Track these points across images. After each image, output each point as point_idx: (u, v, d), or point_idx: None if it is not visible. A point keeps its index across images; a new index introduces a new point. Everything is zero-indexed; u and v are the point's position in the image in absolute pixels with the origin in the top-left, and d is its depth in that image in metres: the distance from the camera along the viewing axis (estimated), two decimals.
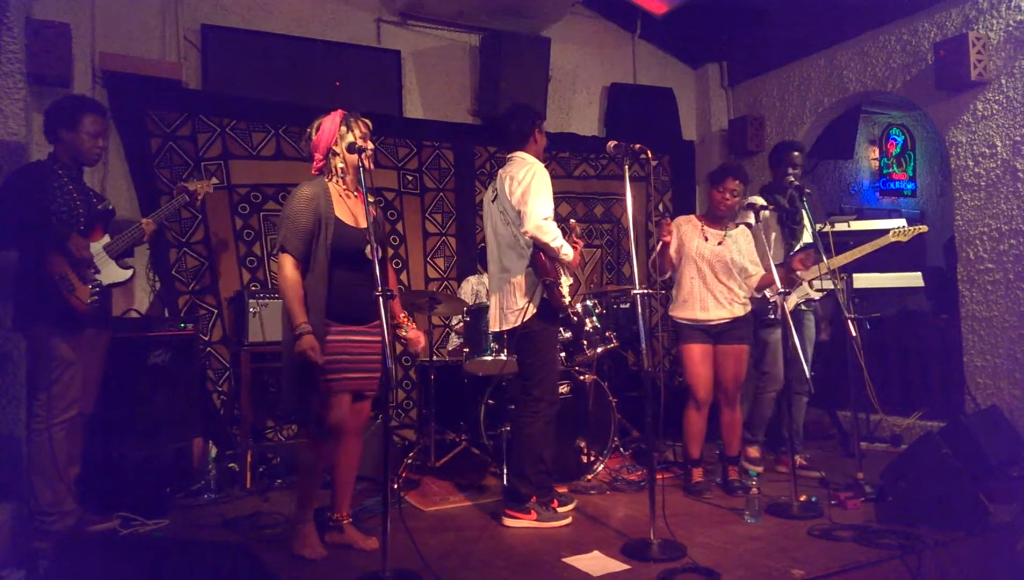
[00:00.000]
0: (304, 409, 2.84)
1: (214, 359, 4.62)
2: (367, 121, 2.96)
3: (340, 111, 2.93)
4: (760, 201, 3.96)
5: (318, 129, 2.91)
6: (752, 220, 3.87)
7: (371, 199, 3.02)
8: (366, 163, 2.81)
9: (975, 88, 4.58)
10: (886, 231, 4.47)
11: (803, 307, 4.23)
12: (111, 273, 3.28)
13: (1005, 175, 4.47)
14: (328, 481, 3.11)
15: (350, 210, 2.91)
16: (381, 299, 2.61)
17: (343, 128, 2.88)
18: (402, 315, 3.11)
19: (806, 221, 4.36)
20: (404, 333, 3.09)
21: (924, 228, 4.19)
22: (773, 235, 4.22)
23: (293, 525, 2.95)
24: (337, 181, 2.92)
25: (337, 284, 2.82)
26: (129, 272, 3.35)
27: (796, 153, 4.29)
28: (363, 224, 2.89)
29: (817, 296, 4.20)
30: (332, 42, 5.18)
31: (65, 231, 3.12)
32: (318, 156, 2.93)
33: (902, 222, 4.89)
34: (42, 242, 3.07)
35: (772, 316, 4.16)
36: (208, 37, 4.80)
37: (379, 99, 5.28)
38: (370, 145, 2.91)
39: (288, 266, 2.78)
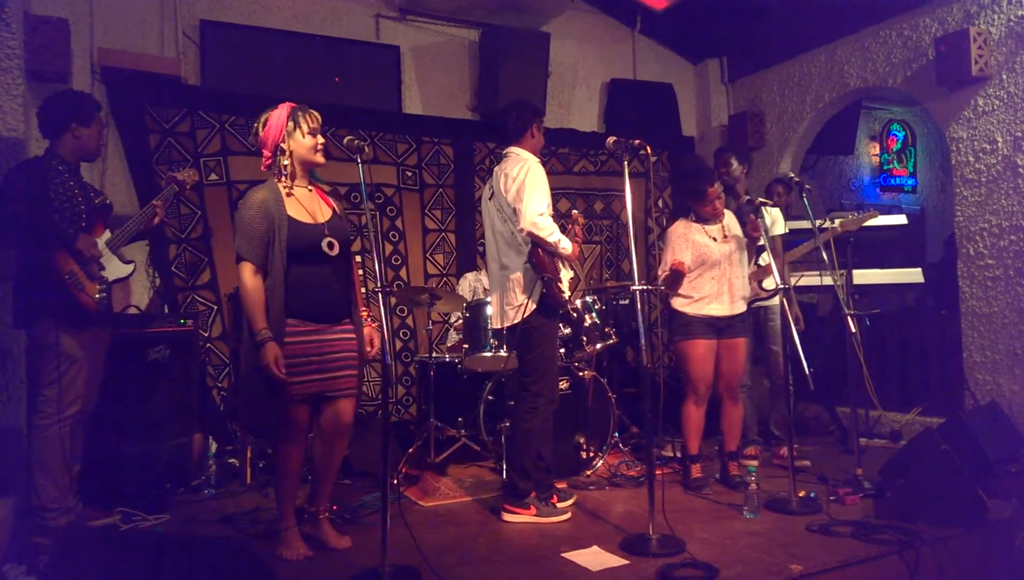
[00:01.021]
0: (262, 416, 2.81)
1: (214, 355, 4.62)
2: (316, 114, 2.85)
3: (288, 104, 2.82)
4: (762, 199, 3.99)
5: (265, 124, 2.79)
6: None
7: (326, 188, 2.97)
8: (318, 160, 2.79)
9: (976, 83, 4.57)
10: (886, 226, 4.49)
11: (756, 304, 4.25)
12: (115, 269, 3.29)
13: (1006, 171, 4.46)
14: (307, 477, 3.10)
15: (305, 207, 2.82)
16: (381, 296, 2.61)
17: (290, 123, 2.77)
18: (364, 311, 3.02)
19: (767, 222, 4.42)
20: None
21: (875, 213, 4.22)
22: None
23: (275, 529, 2.90)
24: (285, 180, 2.80)
25: (298, 283, 2.74)
26: (131, 266, 3.36)
27: (727, 154, 4.39)
28: (321, 219, 2.82)
29: (766, 294, 4.20)
30: (331, 38, 5.17)
31: (71, 229, 3.13)
32: (266, 153, 2.82)
33: (902, 218, 4.89)
34: (47, 239, 3.07)
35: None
36: (207, 33, 4.79)
37: (378, 95, 5.28)
38: (320, 139, 2.83)
39: (247, 273, 2.71)
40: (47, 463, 3.10)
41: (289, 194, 2.80)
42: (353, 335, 2.90)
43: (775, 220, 4.46)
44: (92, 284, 3.15)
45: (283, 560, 2.76)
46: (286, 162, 2.80)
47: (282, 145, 2.78)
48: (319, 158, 2.84)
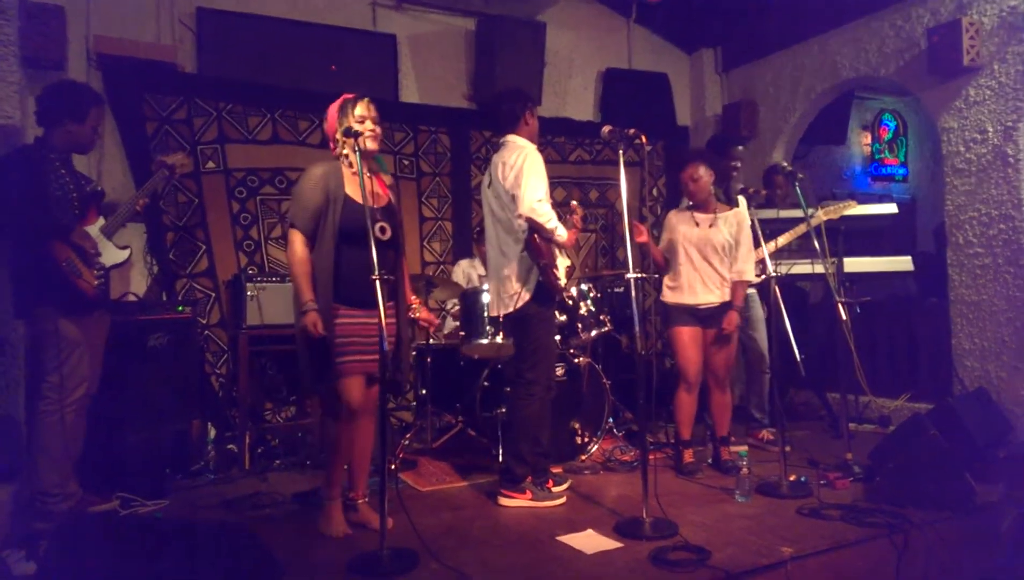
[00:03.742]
0: (322, 387, 2.88)
1: (212, 342, 4.64)
2: (366, 102, 2.96)
3: (343, 96, 2.96)
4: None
5: (327, 118, 2.98)
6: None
7: (388, 181, 3.06)
8: (361, 144, 2.83)
9: (967, 74, 4.60)
10: (877, 215, 4.51)
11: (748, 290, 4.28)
12: (111, 255, 3.30)
13: (996, 161, 4.50)
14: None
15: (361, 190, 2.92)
16: (378, 282, 2.63)
17: (340, 114, 2.93)
18: (413, 297, 3.15)
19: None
20: (416, 314, 3.14)
21: (852, 203, 4.28)
22: None
23: (323, 502, 2.99)
24: (346, 164, 2.94)
25: (345, 265, 2.84)
26: (127, 252, 3.37)
27: (740, 148, 4.46)
28: (375, 204, 2.92)
29: (756, 281, 4.23)
30: (328, 26, 5.17)
31: (67, 219, 3.13)
32: (331, 144, 3.00)
33: (893, 207, 4.93)
34: (43, 228, 3.08)
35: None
36: (203, 20, 4.78)
37: (375, 83, 5.27)
38: (369, 126, 2.91)
39: (297, 242, 2.82)
40: (50, 449, 3.12)
41: (352, 176, 2.90)
42: (393, 321, 2.97)
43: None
44: (89, 270, 3.17)
45: (283, 545, 2.79)
46: (344, 152, 2.93)
47: (337, 137, 2.93)
48: (368, 144, 2.92)
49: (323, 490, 3.01)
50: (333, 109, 2.96)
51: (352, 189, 2.87)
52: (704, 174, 3.83)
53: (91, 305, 3.19)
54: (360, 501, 3.05)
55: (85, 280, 3.14)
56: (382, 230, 2.87)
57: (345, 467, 3.02)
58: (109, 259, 3.28)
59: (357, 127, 2.87)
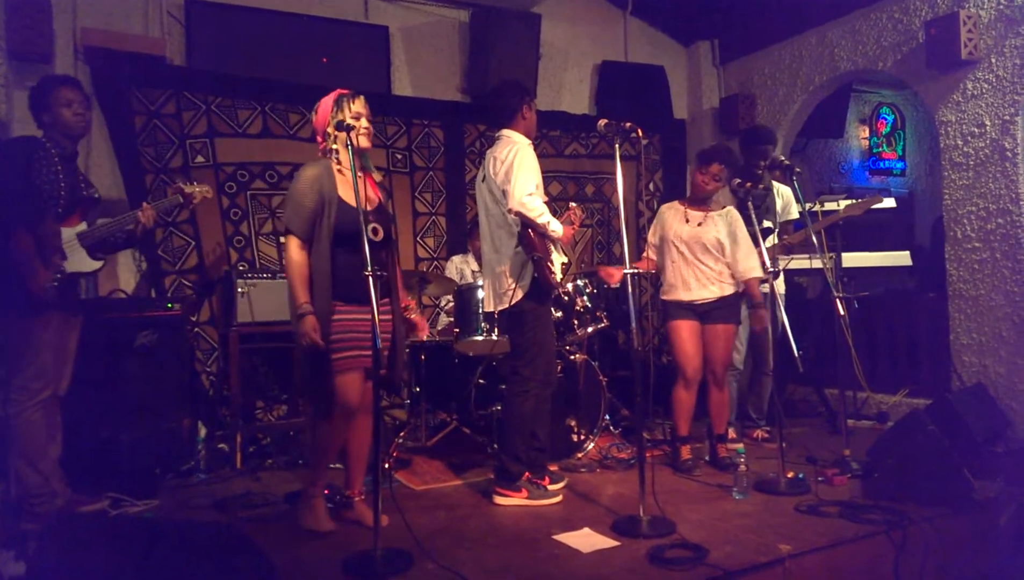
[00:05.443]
0: (316, 388, 2.85)
1: (202, 340, 4.59)
2: (361, 99, 2.94)
3: (338, 90, 2.93)
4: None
5: (317, 111, 2.94)
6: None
7: (377, 178, 3.04)
8: (354, 141, 2.80)
9: (965, 67, 4.57)
10: (875, 209, 4.50)
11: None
12: (80, 262, 3.16)
13: (994, 154, 4.48)
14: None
15: (353, 191, 2.89)
16: (371, 279, 2.60)
17: (335, 109, 2.89)
18: (407, 299, 3.14)
19: (777, 206, 4.42)
20: (411, 315, 3.14)
21: (880, 199, 4.25)
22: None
23: (306, 499, 2.97)
24: (335, 162, 2.91)
25: (341, 265, 2.83)
26: (99, 264, 3.23)
27: (771, 147, 4.37)
28: (368, 206, 2.90)
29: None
30: (319, 17, 5.11)
31: (35, 209, 3.02)
32: (319, 138, 2.96)
33: (891, 201, 4.91)
34: (12, 221, 2.98)
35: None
36: (192, 12, 4.72)
37: (367, 76, 5.23)
38: (364, 123, 2.89)
39: (293, 247, 2.81)
40: (23, 450, 3.07)
41: (342, 176, 2.89)
42: (390, 317, 2.96)
43: (788, 202, 4.47)
44: (46, 272, 3.03)
45: (275, 545, 2.75)
46: (334, 146, 2.90)
47: (328, 130, 2.90)
48: (361, 142, 2.89)
49: (308, 488, 2.98)
50: (327, 102, 2.92)
51: (344, 192, 2.86)
52: (722, 173, 3.83)
53: (43, 306, 3.04)
54: (357, 499, 3.04)
55: (36, 280, 2.98)
56: (374, 232, 2.87)
57: (337, 466, 2.98)
58: (75, 265, 3.14)
59: (352, 123, 2.84)
